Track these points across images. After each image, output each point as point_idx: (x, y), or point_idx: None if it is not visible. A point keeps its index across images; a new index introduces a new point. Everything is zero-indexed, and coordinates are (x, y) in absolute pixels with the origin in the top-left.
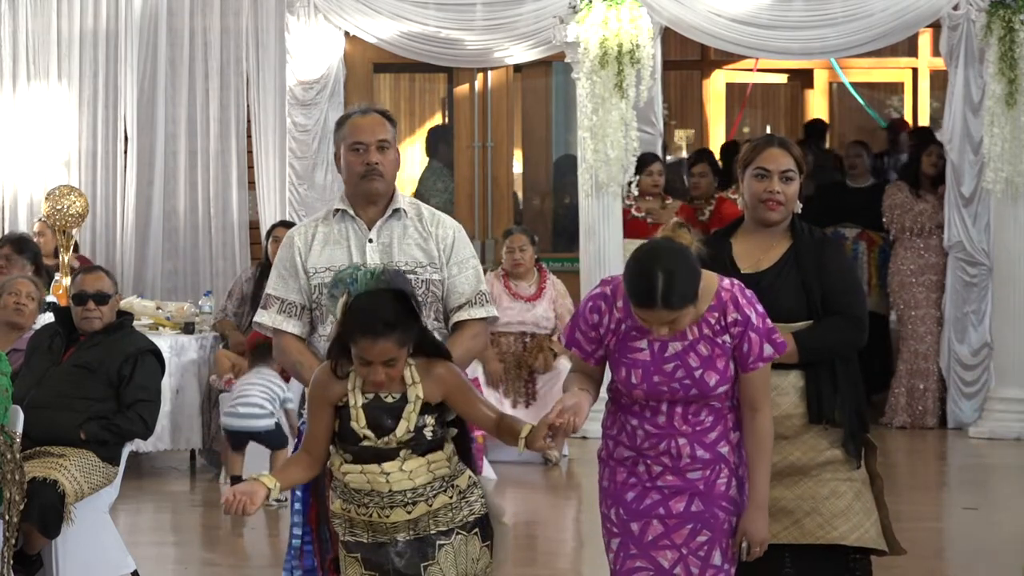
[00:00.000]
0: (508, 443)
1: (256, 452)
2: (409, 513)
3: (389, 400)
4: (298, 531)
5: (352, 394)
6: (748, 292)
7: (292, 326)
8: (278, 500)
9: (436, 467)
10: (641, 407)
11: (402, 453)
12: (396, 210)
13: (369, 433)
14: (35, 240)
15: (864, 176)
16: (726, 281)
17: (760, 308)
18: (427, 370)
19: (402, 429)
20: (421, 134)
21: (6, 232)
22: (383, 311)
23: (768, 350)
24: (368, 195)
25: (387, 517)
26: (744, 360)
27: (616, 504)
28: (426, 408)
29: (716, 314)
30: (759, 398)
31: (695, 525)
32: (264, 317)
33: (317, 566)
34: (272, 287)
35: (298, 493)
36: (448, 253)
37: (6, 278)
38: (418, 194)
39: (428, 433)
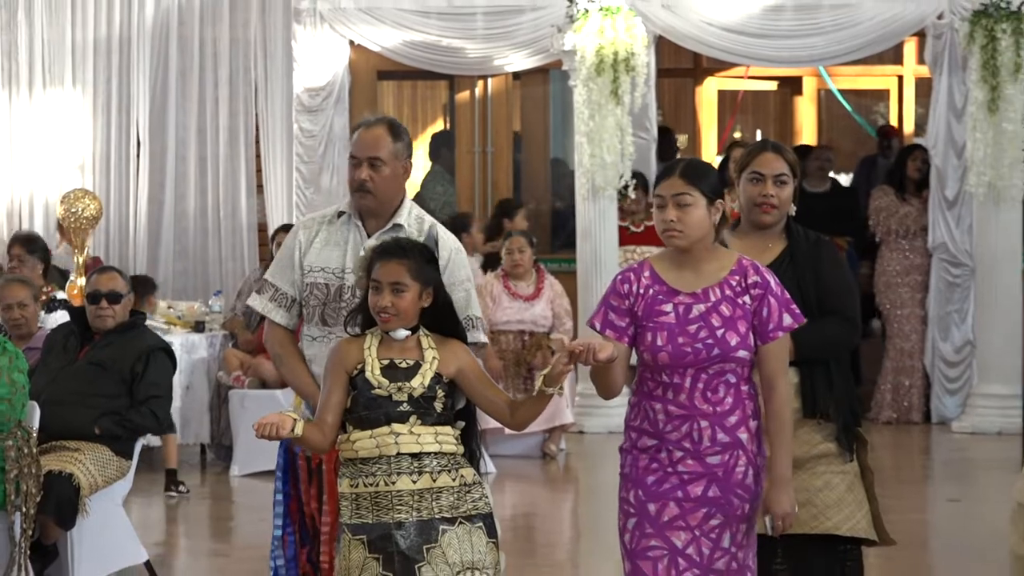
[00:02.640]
0: (523, 415)
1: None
2: (414, 483)
3: (403, 365)
4: (279, 522)
5: (368, 351)
6: (768, 269)
7: (280, 316)
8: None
9: (443, 440)
10: (664, 387)
11: (411, 419)
12: (396, 224)
13: (383, 380)
14: (59, 240)
15: (824, 181)
16: (747, 258)
17: (779, 281)
18: (443, 343)
19: (417, 381)
20: (424, 139)
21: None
22: (401, 241)
23: (787, 319)
24: (359, 209)
25: (393, 484)
26: (764, 327)
27: (636, 487)
28: (439, 380)
29: (737, 277)
30: (777, 375)
31: (710, 509)
32: (256, 301)
33: (298, 555)
34: (271, 273)
35: (279, 485)
36: (441, 273)
37: None
38: (419, 197)
39: (438, 405)
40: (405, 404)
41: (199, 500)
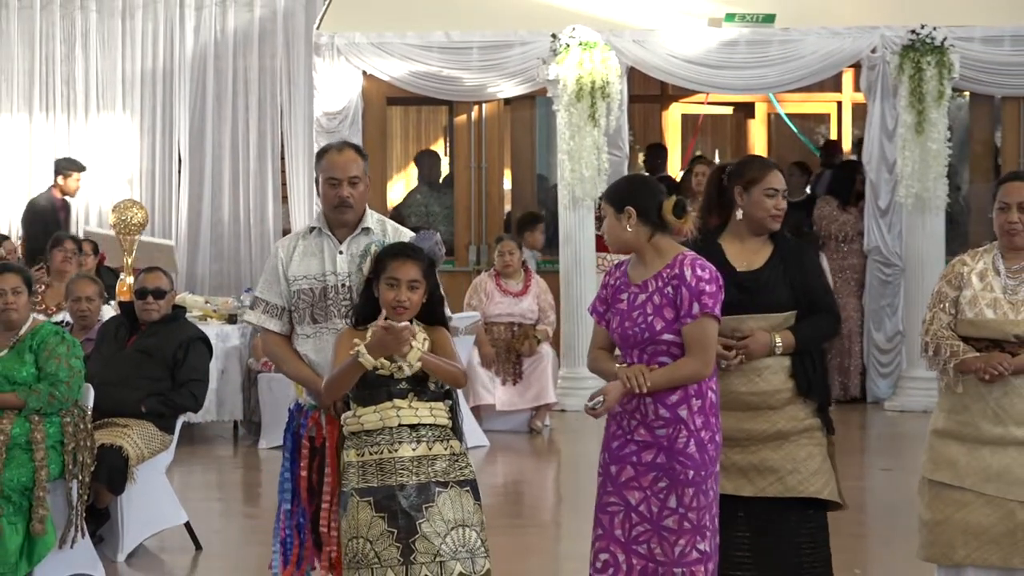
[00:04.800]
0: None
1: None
2: (414, 450)
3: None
4: (287, 496)
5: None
6: (700, 260)
7: (274, 325)
8: None
9: (437, 413)
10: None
11: (409, 395)
12: (365, 228)
13: (385, 362)
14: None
15: (800, 191)
16: (689, 254)
17: (702, 274)
18: (431, 330)
19: (413, 356)
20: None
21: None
22: (410, 244)
23: (695, 308)
24: (340, 222)
25: (395, 452)
26: (679, 313)
27: (605, 451)
28: None
29: (668, 270)
30: (692, 350)
31: (657, 473)
32: (251, 316)
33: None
34: (259, 291)
35: (285, 464)
36: None
37: (70, 279)
38: (399, 206)
39: (431, 384)
40: (404, 383)
41: (232, 469)
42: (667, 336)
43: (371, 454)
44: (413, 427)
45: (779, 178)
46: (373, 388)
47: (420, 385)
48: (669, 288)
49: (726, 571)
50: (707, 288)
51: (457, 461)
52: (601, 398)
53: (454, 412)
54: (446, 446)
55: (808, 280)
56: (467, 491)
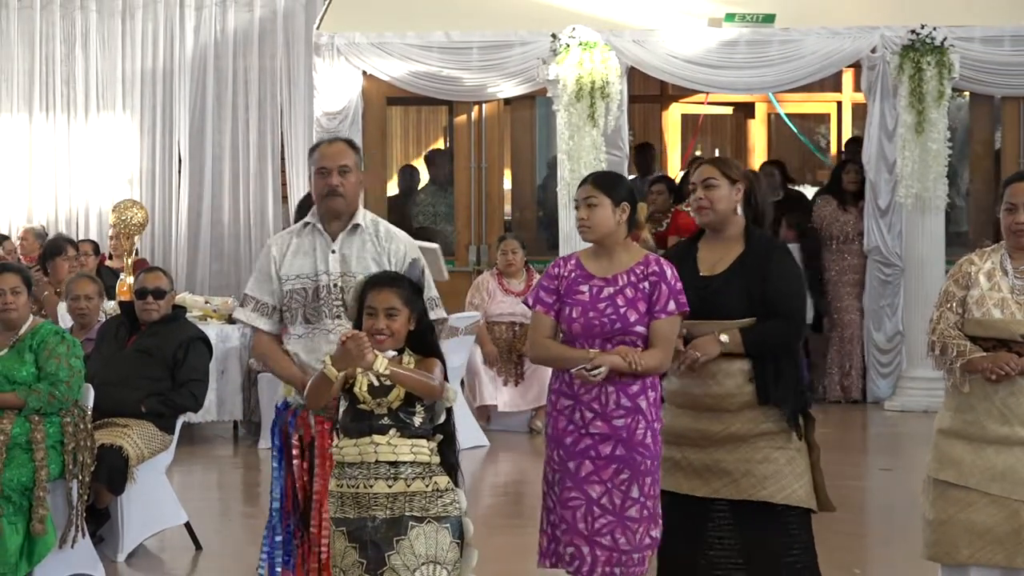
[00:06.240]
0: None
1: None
2: (389, 487)
3: (384, 382)
4: (277, 494)
5: (359, 370)
6: (670, 264)
7: (264, 323)
8: None
9: (418, 451)
10: None
11: (391, 431)
12: (356, 225)
13: (368, 397)
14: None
15: (775, 191)
16: (660, 256)
17: (676, 275)
18: (422, 362)
19: (393, 394)
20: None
21: (76, 237)
22: (390, 272)
23: (672, 305)
24: (330, 212)
25: (370, 487)
26: (653, 308)
27: (557, 447)
28: (418, 397)
29: (642, 267)
30: (658, 345)
31: (618, 465)
32: (241, 314)
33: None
34: (249, 288)
35: (274, 464)
36: (399, 266)
37: (69, 279)
38: (406, 203)
39: (417, 419)
40: (386, 418)
41: (232, 469)
42: (639, 328)
43: (349, 486)
44: (392, 464)
45: (700, 171)
46: (358, 421)
47: (404, 421)
48: (645, 284)
49: (709, 571)
50: (680, 287)
51: (440, 497)
52: (603, 368)
53: (445, 449)
54: (428, 483)
55: (768, 286)
56: (445, 528)
